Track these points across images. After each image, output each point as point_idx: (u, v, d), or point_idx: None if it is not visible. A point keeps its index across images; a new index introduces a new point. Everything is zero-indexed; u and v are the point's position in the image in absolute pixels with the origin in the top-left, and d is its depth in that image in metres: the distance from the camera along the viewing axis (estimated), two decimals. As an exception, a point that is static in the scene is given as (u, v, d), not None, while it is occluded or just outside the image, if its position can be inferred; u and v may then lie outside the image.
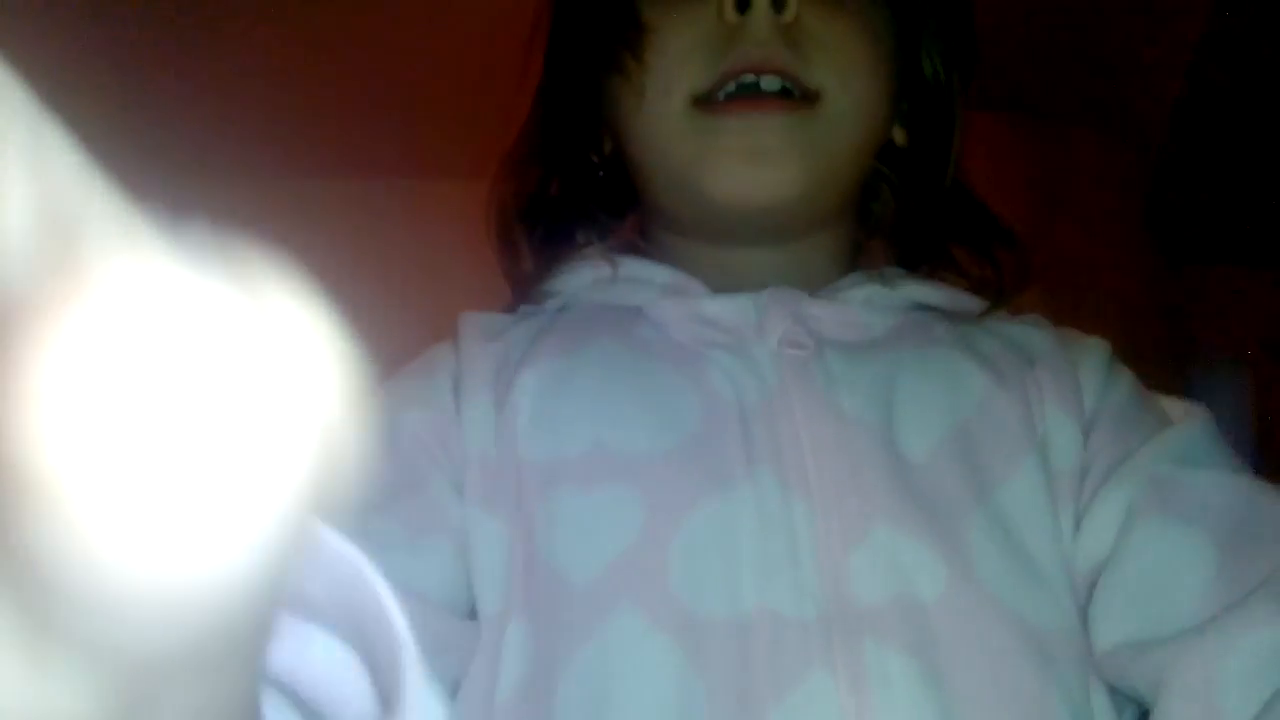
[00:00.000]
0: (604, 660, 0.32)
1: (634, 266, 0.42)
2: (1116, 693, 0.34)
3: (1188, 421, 0.38)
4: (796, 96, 0.39)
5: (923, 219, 0.46)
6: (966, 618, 0.33)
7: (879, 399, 0.37)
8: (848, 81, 0.41)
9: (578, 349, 0.40)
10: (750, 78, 0.40)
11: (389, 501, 0.37)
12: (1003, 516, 0.35)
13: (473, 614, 0.37)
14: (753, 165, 0.39)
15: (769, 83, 0.40)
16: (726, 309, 0.40)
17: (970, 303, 0.44)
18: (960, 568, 0.33)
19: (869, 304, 0.41)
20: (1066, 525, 0.36)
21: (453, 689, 0.34)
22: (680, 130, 0.41)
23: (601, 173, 0.46)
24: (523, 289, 0.45)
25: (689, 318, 0.40)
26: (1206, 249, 2.78)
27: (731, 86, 0.40)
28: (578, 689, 0.32)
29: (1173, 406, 0.42)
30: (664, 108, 0.41)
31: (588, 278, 0.44)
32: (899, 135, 0.47)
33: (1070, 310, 2.22)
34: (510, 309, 0.46)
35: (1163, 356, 1.93)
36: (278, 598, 0.13)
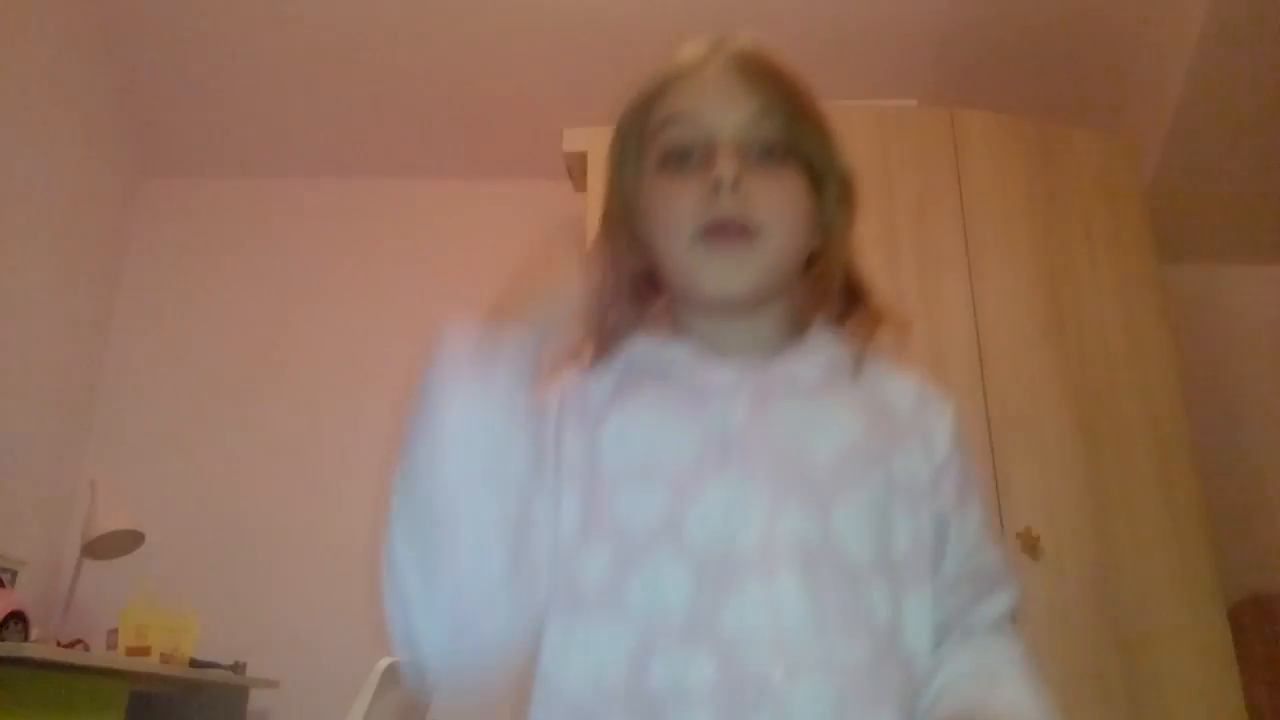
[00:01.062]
0: (655, 575, 0.64)
1: (672, 342, 0.75)
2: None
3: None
4: (749, 231, 0.71)
5: (827, 293, 0.77)
6: (825, 553, 0.64)
7: (800, 428, 0.69)
8: (778, 219, 0.71)
9: (639, 393, 0.73)
10: (722, 220, 0.72)
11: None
12: (856, 503, 0.67)
13: None
14: (727, 273, 0.71)
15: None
16: (719, 373, 0.72)
17: (864, 358, 0.76)
18: (825, 528, 0.65)
19: (803, 361, 0.73)
20: (906, 519, 0.68)
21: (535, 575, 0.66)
22: (688, 253, 0.71)
23: (643, 275, 0.78)
24: (604, 348, 0.76)
25: (700, 374, 0.72)
26: (1206, 249, 2.79)
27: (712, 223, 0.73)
28: (641, 589, 0.64)
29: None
30: (678, 239, 0.72)
31: (648, 344, 0.76)
32: (817, 244, 0.77)
33: (1071, 309, 2.18)
34: (586, 359, 0.77)
35: (1163, 355, 1.93)
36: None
